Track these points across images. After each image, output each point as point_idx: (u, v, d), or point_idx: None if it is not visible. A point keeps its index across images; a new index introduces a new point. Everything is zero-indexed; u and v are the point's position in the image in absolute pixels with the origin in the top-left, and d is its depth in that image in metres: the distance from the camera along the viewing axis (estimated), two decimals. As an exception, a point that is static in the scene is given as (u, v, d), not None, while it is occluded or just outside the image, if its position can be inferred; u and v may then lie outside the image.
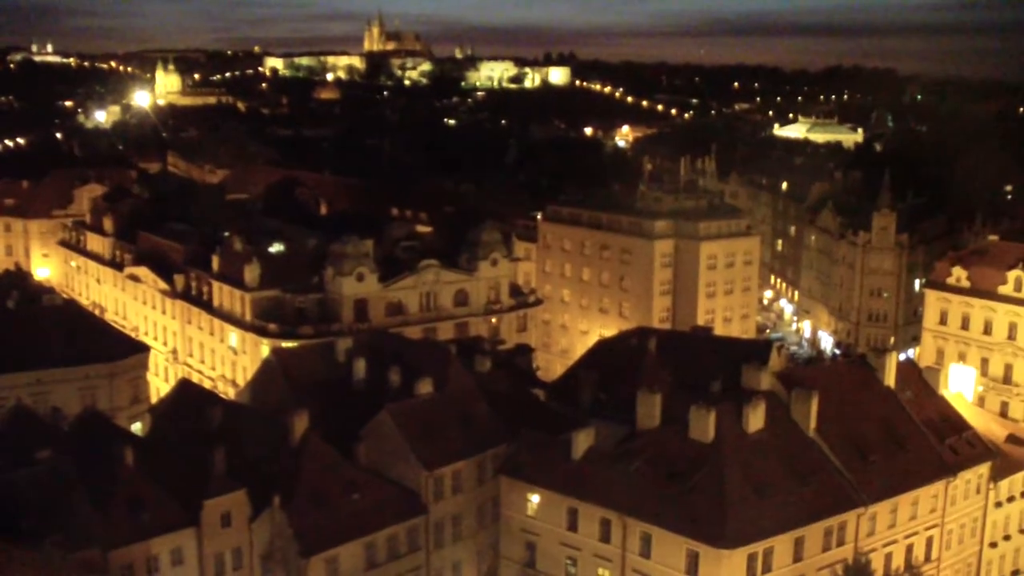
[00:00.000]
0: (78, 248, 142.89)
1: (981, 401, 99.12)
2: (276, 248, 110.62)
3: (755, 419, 68.90)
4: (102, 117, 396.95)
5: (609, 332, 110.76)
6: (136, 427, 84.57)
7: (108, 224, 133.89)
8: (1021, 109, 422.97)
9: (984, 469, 78.92)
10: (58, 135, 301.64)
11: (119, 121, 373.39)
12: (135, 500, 62.83)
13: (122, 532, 61.31)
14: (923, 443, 76.16)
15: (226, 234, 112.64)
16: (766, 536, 64.67)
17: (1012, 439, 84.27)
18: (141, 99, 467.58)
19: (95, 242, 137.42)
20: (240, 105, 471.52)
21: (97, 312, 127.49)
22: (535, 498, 71.64)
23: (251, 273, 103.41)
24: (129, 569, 61.18)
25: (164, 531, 63.47)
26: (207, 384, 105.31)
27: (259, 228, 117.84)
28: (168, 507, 63.93)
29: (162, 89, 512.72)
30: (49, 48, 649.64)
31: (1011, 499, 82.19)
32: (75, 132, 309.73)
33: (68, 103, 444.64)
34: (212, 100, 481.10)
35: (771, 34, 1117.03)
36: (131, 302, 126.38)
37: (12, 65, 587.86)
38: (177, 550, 64.24)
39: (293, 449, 69.97)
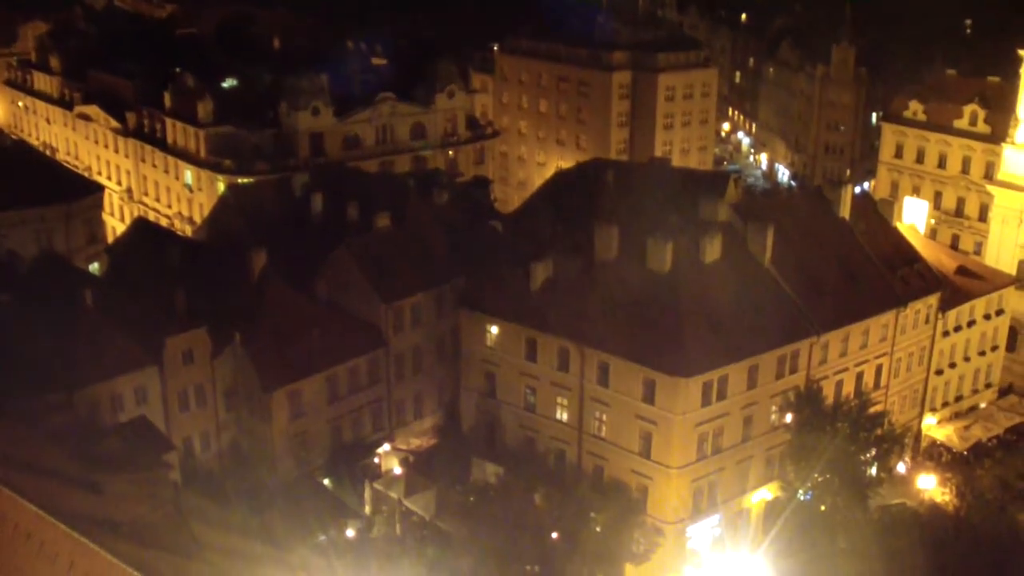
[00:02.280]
0: (25, 87, 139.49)
1: (933, 233, 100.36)
2: (229, 83, 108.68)
3: (711, 250, 69.40)
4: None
5: (567, 164, 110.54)
6: (94, 268, 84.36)
7: (55, 62, 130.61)
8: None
9: (933, 300, 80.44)
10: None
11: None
12: (96, 341, 62.90)
13: (85, 373, 61.60)
14: (875, 274, 77.21)
15: (177, 70, 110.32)
16: (721, 364, 65.87)
17: (961, 271, 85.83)
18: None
19: (42, 81, 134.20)
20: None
21: (48, 153, 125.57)
22: (494, 329, 72.42)
23: (204, 109, 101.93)
24: (94, 408, 61.58)
25: (127, 370, 63.84)
26: (164, 223, 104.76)
27: (211, 63, 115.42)
28: (130, 346, 64.11)
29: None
30: None
31: (958, 328, 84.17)
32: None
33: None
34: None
35: None
36: (83, 141, 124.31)
37: None
38: (140, 388, 64.80)
39: (253, 286, 70.10)
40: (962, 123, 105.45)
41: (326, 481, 71.14)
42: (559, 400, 70.58)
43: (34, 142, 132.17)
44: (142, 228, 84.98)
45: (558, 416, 70.96)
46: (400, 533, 69.44)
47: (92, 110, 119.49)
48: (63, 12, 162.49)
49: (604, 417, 68.62)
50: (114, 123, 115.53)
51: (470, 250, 76.38)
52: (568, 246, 71.23)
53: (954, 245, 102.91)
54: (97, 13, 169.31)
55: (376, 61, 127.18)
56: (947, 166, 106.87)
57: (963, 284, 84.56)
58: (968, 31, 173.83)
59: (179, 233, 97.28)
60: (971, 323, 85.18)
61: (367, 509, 71.21)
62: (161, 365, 65.25)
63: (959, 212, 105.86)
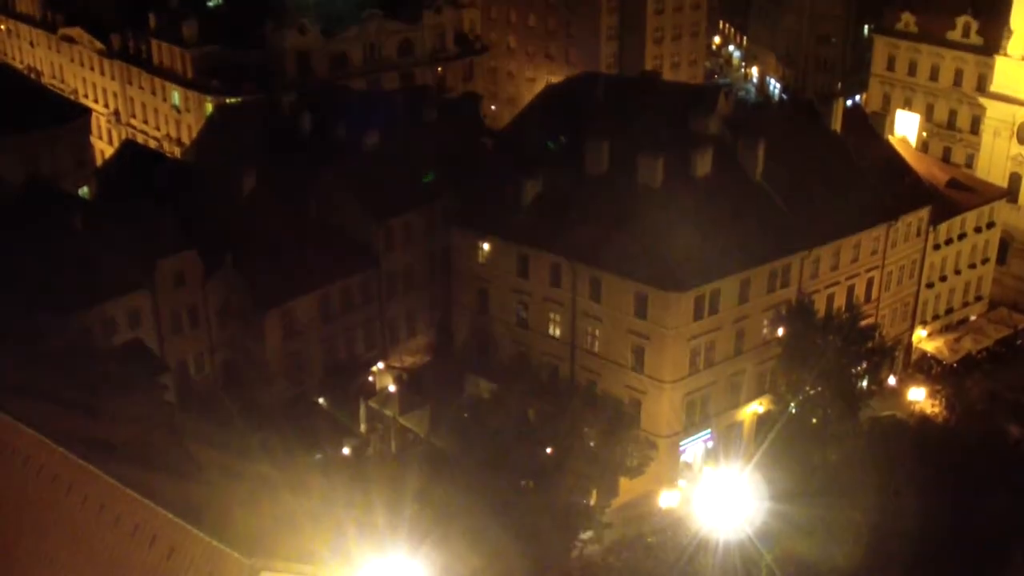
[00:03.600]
0: (6, 10, 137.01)
1: (925, 146, 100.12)
2: (214, 2, 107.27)
3: (702, 165, 69.24)
4: None
5: (556, 79, 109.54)
6: (83, 191, 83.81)
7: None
8: None
9: (924, 213, 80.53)
10: None
11: None
12: (87, 264, 62.62)
13: (77, 297, 61.41)
14: (867, 188, 77.14)
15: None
16: (713, 279, 66.16)
17: (953, 183, 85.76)
18: None
19: (24, 3, 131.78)
20: None
21: (33, 76, 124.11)
22: (485, 246, 72.46)
23: (189, 29, 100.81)
24: (87, 332, 61.43)
25: (119, 293, 63.74)
26: (152, 145, 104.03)
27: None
28: (121, 269, 63.86)
29: None
30: None
31: (948, 241, 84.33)
32: None
33: None
34: None
35: None
36: (68, 64, 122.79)
37: None
38: (133, 311, 64.78)
39: (243, 206, 69.89)
40: (954, 34, 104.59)
41: (321, 400, 71.58)
42: (551, 316, 70.91)
43: (18, 66, 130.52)
44: (130, 150, 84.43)
45: (551, 332, 71.33)
46: (395, 450, 70.07)
47: (75, 32, 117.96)
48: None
49: (596, 332, 69.02)
50: (98, 45, 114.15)
51: (460, 168, 76.05)
52: (558, 162, 70.97)
53: (946, 158, 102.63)
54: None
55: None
56: (939, 78, 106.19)
57: (954, 197, 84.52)
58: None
59: (168, 155, 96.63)
60: (962, 236, 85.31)
61: (362, 427, 71.78)
62: (153, 287, 65.18)
63: (951, 125, 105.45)
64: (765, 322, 70.46)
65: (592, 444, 63.99)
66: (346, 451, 67.06)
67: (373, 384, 75.17)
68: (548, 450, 61.93)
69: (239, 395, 66.34)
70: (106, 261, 63.33)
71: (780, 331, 70.34)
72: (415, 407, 70.83)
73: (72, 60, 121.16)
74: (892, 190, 78.64)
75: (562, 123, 77.68)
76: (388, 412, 71.65)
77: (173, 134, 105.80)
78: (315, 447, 63.23)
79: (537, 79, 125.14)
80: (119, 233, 65.13)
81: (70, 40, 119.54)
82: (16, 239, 61.73)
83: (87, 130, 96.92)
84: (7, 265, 59.38)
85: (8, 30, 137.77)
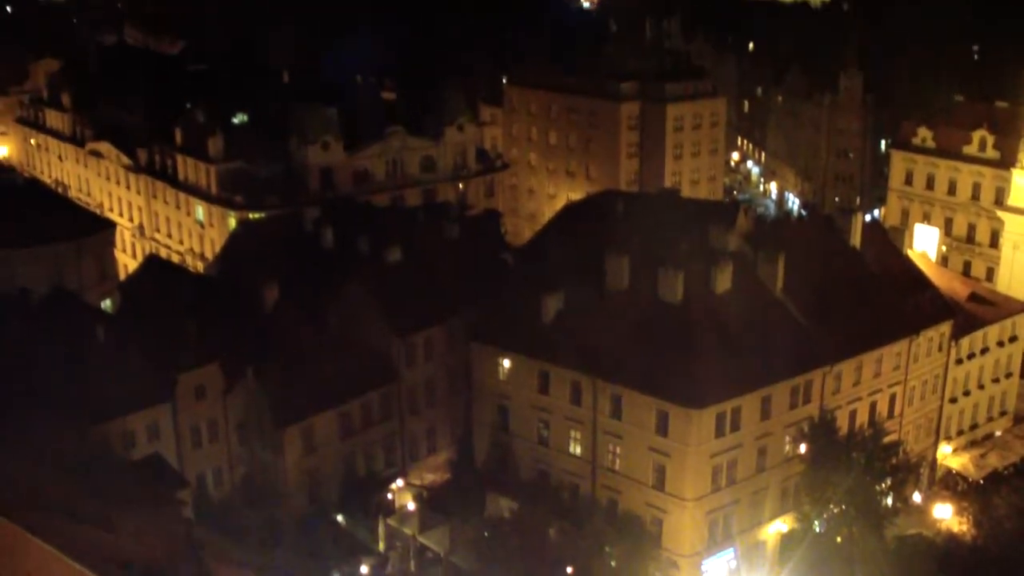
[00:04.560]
0: (37, 125, 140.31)
1: (944, 260, 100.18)
2: (239, 119, 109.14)
3: (723, 280, 69.25)
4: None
5: (577, 195, 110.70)
6: (106, 304, 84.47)
7: (66, 99, 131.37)
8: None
9: (946, 327, 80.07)
10: (8, 9, 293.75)
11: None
12: (108, 377, 62.87)
13: (97, 409, 61.49)
14: (887, 302, 76.94)
15: (188, 106, 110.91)
16: (734, 395, 65.58)
17: (974, 297, 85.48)
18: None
19: (54, 118, 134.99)
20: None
21: (60, 190, 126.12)
22: (506, 363, 72.28)
23: (215, 145, 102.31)
24: (107, 445, 61.33)
25: (139, 407, 63.88)
26: (175, 259, 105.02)
27: (221, 99, 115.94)
28: (142, 382, 64.12)
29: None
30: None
31: (971, 356, 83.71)
32: (28, 5, 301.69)
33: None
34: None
35: None
36: (94, 178, 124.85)
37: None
38: (153, 424, 64.88)
39: (265, 320, 70.17)
40: (971, 149, 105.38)
41: (339, 517, 70.93)
42: (572, 433, 70.29)
43: (47, 179, 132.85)
44: (154, 264, 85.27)
45: (571, 449, 70.65)
46: (415, 569, 69.18)
47: (103, 147, 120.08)
48: (74, 49, 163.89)
49: (617, 450, 68.32)
50: (125, 159, 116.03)
51: (481, 283, 76.35)
52: (579, 278, 71.14)
53: (966, 272, 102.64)
54: (108, 50, 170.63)
55: (385, 95, 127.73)
56: (957, 192, 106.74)
57: (976, 311, 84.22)
58: (976, 56, 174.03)
59: (191, 269, 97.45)
60: (984, 350, 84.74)
61: (381, 545, 70.94)
62: (174, 401, 65.27)
63: (970, 238, 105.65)
64: (787, 439, 69.69)
65: (613, 564, 63.15)
66: (364, 570, 66.33)
67: (392, 501, 74.49)
68: (569, 569, 61.09)
69: (257, 510, 65.91)
70: (127, 374, 63.61)
71: (803, 448, 69.58)
72: (435, 525, 70.10)
73: (99, 174, 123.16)
74: (913, 304, 78.40)
75: (583, 239, 78.09)
76: (407, 530, 70.88)
77: (197, 248, 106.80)
78: (333, 565, 62.60)
79: (558, 195, 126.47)
80: (141, 346, 65.57)
81: (98, 155, 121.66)
82: (38, 350, 62.09)
83: (112, 243, 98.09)
84: (28, 375, 59.69)
85: (39, 145, 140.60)
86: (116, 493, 50.49)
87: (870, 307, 75.48)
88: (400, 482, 75.13)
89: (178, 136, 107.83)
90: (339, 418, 70.66)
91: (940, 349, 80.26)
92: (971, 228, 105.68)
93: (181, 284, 74.46)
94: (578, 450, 70.34)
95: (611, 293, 69.84)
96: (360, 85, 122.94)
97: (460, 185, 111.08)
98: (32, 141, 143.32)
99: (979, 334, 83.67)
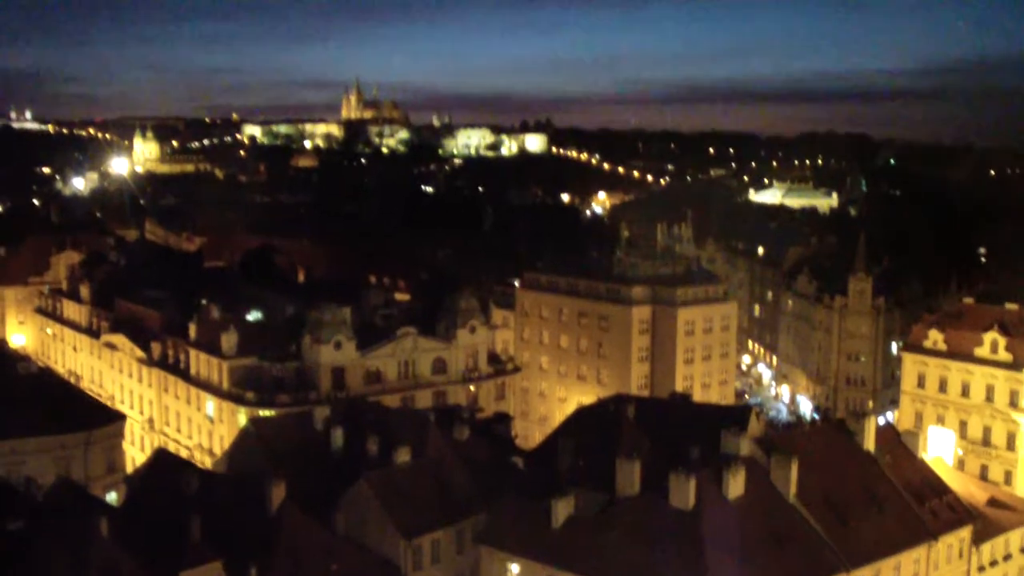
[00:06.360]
0: (54, 315, 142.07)
1: (961, 464, 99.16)
2: (253, 316, 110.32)
3: (735, 485, 68.63)
4: (80, 184, 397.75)
5: (588, 399, 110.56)
6: (111, 497, 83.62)
7: (85, 291, 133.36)
8: (992, 173, 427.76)
9: (966, 533, 78.74)
10: (35, 201, 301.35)
11: (97, 188, 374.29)
12: (110, 572, 61.80)
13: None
14: (904, 507, 76.00)
15: (203, 301, 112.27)
16: (748, 604, 64.16)
17: (993, 502, 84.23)
18: (119, 166, 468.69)
19: (72, 309, 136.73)
20: (218, 172, 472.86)
21: (73, 380, 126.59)
22: (515, 567, 70.83)
23: (228, 341, 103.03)
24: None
25: (140, 604, 62.43)
26: (184, 453, 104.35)
27: (236, 295, 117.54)
28: (143, 579, 62.91)
29: (140, 156, 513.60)
30: (28, 115, 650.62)
31: (994, 563, 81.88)
32: (53, 198, 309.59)
33: (46, 169, 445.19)
34: (190, 167, 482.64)
35: (745, 101, 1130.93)
36: (107, 370, 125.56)
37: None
38: (153, 622, 63.22)
39: (270, 519, 69.28)
40: (983, 351, 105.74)
41: None
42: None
43: (60, 369, 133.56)
44: (162, 458, 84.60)
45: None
46: None
47: (118, 339, 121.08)
48: (95, 242, 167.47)
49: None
50: (139, 352, 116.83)
51: (491, 486, 75.65)
52: (589, 482, 70.55)
53: (983, 475, 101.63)
54: (128, 244, 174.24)
55: (398, 295, 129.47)
56: (971, 394, 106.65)
57: (996, 516, 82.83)
58: (983, 259, 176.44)
59: (199, 465, 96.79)
60: (1007, 557, 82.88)
61: None
62: (175, 600, 63.78)
63: (986, 441, 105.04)
64: (805, 650, 67.77)
65: None
66: None
67: None
68: None
69: None
70: (129, 569, 62.42)
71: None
72: None
73: (112, 366, 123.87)
74: (930, 510, 77.31)
75: (593, 444, 77.76)
76: None
77: (205, 444, 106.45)
78: None
79: (569, 399, 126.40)
80: (144, 541, 64.58)
81: (112, 347, 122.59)
82: (41, 541, 61.26)
83: (120, 436, 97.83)
84: (30, 568, 58.61)
85: (54, 335, 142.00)
86: None
87: (886, 512, 74.47)
88: None
89: (192, 331, 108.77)
90: (343, 622, 68.92)
91: (960, 556, 78.65)
92: (987, 431, 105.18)
93: (188, 480, 73.73)
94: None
95: (622, 499, 69.16)
96: (373, 285, 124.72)
97: (471, 387, 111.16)
98: (48, 331, 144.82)
99: (1001, 540, 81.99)
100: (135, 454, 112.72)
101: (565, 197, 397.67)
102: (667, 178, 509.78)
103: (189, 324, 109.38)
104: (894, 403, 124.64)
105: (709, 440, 73.61)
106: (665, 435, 75.84)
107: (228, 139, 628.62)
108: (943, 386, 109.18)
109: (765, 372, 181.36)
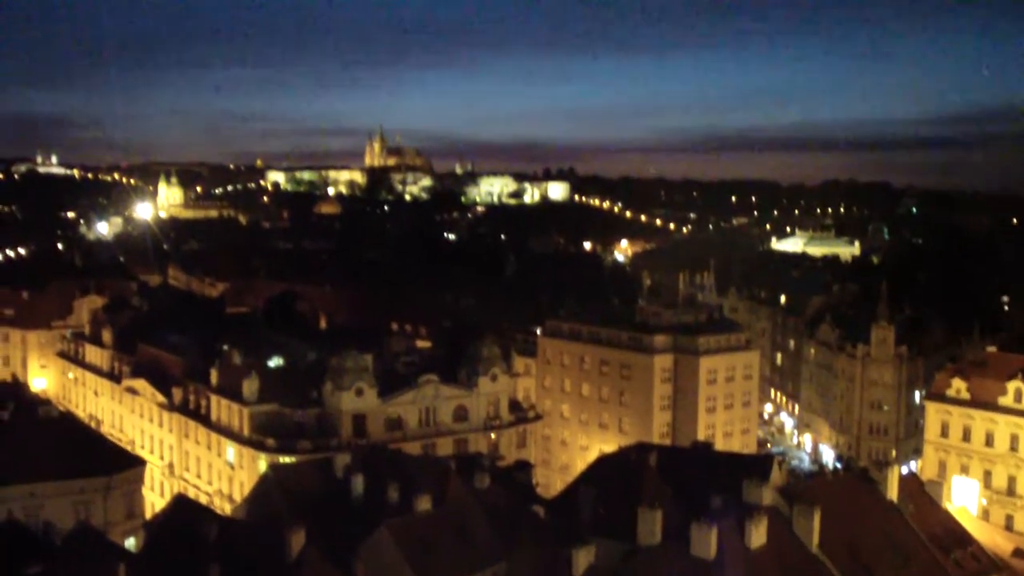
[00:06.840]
0: (76, 360, 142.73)
1: (985, 514, 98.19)
2: (275, 362, 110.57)
3: (757, 535, 67.99)
4: (104, 228, 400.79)
5: (609, 448, 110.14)
6: (130, 543, 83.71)
7: (107, 336, 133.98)
8: (1014, 220, 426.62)
9: (991, 585, 77.85)
10: (59, 246, 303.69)
11: (121, 233, 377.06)
12: (128, 619, 61.67)
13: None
14: (928, 558, 75.09)
15: (225, 347, 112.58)
16: (770, 657, 63.41)
17: (1018, 553, 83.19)
18: (143, 211, 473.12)
19: (94, 354, 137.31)
20: (242, 218, 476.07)
21: (94, 424, 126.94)
22: (535, 617, 70.37)
23: (250, 387, 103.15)
24: None
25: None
26: (203, 499, 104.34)
27: (258, 341, 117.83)
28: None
29: (164, 202, 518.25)
30: (54, 159, 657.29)
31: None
32: (77, 243, 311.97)
33: (71, 214, 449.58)
34: (214, 213, 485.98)
35: (767, 149, 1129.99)
36: (128, 415, 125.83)
37: (16, 176, 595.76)
38: (170, 671, 62.99)
39: (290, 566, 68.96)
40: (1007, 400, 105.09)
41: None
42: None
43: (81, 414, 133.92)
44: (181, 505, 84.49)
45: None
46: None
47: (140, 384, 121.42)
48: (118, 287, 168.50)
49: None
50: (160, 397, 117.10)
51: (511, 534, 75.20)
52: (611, 531, 70.08)
53: (1008, 525, 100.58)
54: (151, 289, 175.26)
55: (420, 343, 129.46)
56: (995, 444, 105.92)
57: (1021, 567, 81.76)
58: (1006, 307, 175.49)
59: (218, 511, 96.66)
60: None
61: None
62: (192, 649, 63.52)
63: (1011, 491, 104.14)
64: None
65: None
66: None
67: None
68: None
69: None
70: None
71: None
72: None
73: (132, 411, 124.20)
74: (955, 561, 76.39)
75: (615, 493, 77.36)
76: None
77: (225, 490, 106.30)
78: None
79: (590, 447, 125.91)
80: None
81: (133, 392, 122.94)
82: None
83: (140, 481, 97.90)
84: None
85: (76, 379, 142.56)
86: None
87: (910, 563, 73.59)
88: None
89: (214, 376, 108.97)
90: (361, 671, 68.41)
91: (986, 610, 77.67)
92: (1011, 480, 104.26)
93: (207, 526, 73.57)
94: None
95: (643, 548, 68.60)
96: (394, 332, 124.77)
97: (492, 435, 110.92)
98: (70, 375, 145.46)
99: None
100: (155, 500, 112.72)
101: (587, 245, 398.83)
102: (689, 226, 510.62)
103: (211, 370, 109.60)
104: (917, 452, 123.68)
105: (731, 489, 73.10)
106: (687, 484, 75.42)
107: (252, 185, 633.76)
108: (967, 435, 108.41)
109: (787, 421, 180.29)
